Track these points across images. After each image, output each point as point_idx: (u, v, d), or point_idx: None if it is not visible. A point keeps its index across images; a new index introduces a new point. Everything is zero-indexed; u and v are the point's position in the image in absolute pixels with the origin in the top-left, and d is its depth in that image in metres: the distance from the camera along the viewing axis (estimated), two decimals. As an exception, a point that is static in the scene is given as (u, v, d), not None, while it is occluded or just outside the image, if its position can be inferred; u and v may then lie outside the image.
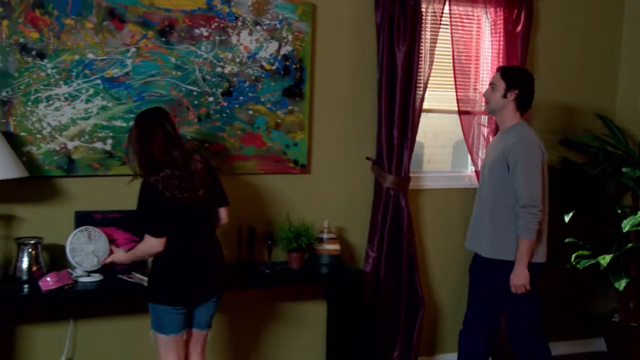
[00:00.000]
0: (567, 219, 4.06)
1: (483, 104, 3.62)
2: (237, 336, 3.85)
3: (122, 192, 3.47)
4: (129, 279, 3.35)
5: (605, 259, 3.87)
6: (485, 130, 4.24)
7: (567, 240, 4.12)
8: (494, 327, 3.61)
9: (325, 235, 3.79)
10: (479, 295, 3.57)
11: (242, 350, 3.86)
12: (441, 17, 3.99)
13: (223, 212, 3.16)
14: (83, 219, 3.40)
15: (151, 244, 2.95)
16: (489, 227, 3.43)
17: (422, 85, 3.97)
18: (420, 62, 3.93)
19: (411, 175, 4.02)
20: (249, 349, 3.88)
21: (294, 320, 3.96)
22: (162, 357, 3.06)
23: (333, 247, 3.78)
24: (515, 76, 3.42)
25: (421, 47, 3.94)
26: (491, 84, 3.47)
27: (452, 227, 4.29)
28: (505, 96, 3.40)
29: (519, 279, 3.34)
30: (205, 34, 3.55)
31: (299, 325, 3.97)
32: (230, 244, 3.70)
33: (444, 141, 4.62)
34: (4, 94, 3.20)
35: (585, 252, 4.00)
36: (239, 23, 3.61)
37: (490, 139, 4.18)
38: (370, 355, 3.94)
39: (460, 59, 4.11)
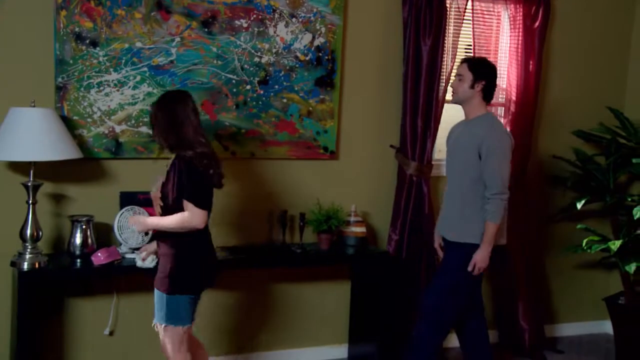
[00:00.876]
0: (579, 206, 4.29)
1: (450, 94, 3.63)
2: (265, 313, 4.07)
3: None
4: (172, 256, 3.56)
5: (615, 244, 4.10)
6: (502, 121, 4.45)
7: (579, 226, 4.36)
8: (480, 301, 3.71)
9: (352, 218, 4.00)
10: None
11: (270, 326, 4.08)
12: (464, 12, 4.19)
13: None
14: (127, 199, 3.60)
15: (197, 217, 2.88)
16: (456, 213, 3.53)
17: (445, 77, 4.17)
18: (444, 56, 4.14)
19: (432, 162, 4.24)
20: (277, 325, 4.10)
21: (320, 299, 4.18)
22: (177, 350, 3.02)
23: (359, 229, 4.00)
24: (482, 68, 3.50)
25: (445, 41, 4.14)
26: (458, 75, 3.53)
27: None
28: (472, 87, 3.48)
29: (485, 260, 3.45)
30: (245, 25, 3.74)
31: (324, 303, 4.19)
32: (262, 225, 3.93)
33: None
34: (59, 80, 3.39)
35: (596, 238, 4.23)
36: (276, 15, 3.80)
37: (508, 129, 4.39)
38: (391, 333, 4.17)
39: (480, 52, 4.30)
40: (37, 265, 3.21)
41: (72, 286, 3.59)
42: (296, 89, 3.91)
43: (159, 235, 3.05)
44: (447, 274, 3.58)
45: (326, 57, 3.95)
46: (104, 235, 3.57)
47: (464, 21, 4.22)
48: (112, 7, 3.44)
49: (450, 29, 4.18)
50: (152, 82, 3.59)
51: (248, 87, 3.80)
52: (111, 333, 3.70)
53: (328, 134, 4.02)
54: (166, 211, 2.97)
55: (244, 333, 4.02)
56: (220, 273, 3.23)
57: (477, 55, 4.24)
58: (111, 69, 3.50)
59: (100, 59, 3.46)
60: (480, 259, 3.46)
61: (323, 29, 3.92)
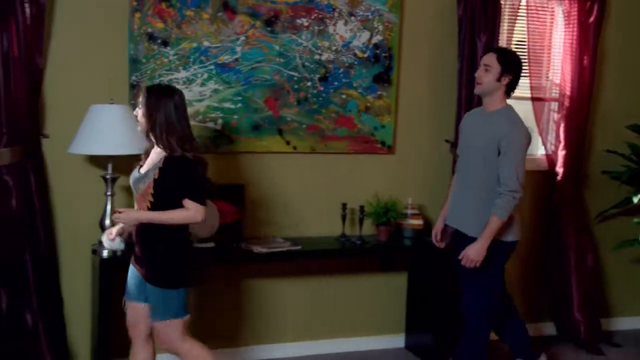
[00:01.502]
0: (635, 200, 4.31)
1: (475, 84, 3.49)
2: (324, 302, 4.19)
3: (228, 168, 3.86)
4: (238, 247, 3.70)
5: (672, 238, 4.12)
6: (555, 116, 4.50)
7: (635, 220, 4.38)
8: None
9: (409, 211, 4.10)
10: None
11: (330, 315, 4.21)
12: (518, 9, 4.26)
13: None
14: (195, 191, 3.77)
15: (200, 213, 2.88)
16: (475, 207, 3.42)
17: (499, 72, 4.25)
18: (498, 52, 4.22)
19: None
20: (336, 314, 4.22)
21: (378, 289, 4.29)
22: (183, 341, 3.00)
23: (416, 222, 4.10)
24: (511, 61, 3.40)
25: (499, 38, 4.21)
26: (485, 64, 3.40)
27: (520, 207, 4.55)
28: (499, 80, 3.37)
29: (477, 254, 3.32)
30: (306, 24, 3.88)
31: (382, 294, 4.29)
32: (323, 218, 4.07)
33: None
34: (133, 78, 3.58)
35: (653, 231, 4.26)
36: (336, 14, 3.93)
37: (562, 124, 4.44)
38: (446, 323, 4.25)
39: (535, 48, 4.37)
40: (115, 253, 3.40)
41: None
42: (355, 85, 4.03)
43: (142, 231, 2.96)
44: (477, 270, 3.40)
45: (384, 54, 4.07)
46: (173, 226, 3.74)
47: (518, 17, 4.29)
48: (181, 8, 3.62)
49: (505, 26, 4.25)
50: (219, 79, 3.75)
51: (309, 83, 3.93)
52: (180, 320, 3.86)
53: (385, 129, 4.13)
54: (156, 207, 2.90)
55: (304, 321, 4.15)
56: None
57: (530, 49, 4.28)
58: (180, 67, 3.67)
59: (170, 57, 3.64)
60: (473, 252, 3.33)
61: (380, 27, 4.04)
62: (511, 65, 3.38)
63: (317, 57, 3.93)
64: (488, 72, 3.38)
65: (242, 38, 3.77)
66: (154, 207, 2.90)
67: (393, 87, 4.12)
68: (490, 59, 3.39)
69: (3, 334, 3.40)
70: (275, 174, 3.97)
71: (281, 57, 3.85)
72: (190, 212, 2.88)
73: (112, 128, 3.32)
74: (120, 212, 2.96)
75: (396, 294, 4.31)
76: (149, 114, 2.88)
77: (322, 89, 3.97)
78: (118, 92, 3.56)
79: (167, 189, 2.87)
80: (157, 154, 2.94)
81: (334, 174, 4.09)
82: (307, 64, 3.91)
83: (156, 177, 2.87)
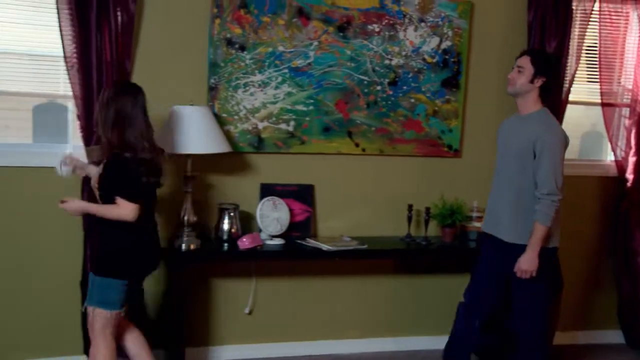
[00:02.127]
0: None
1: (508, 85, 3.46)
2: (387, 301, 4.30)
3: (299, 168, 4.01)
4: (307, 244, 3.86)
5: None
6: (627, 122, 4.46)
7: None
8: (494, 310, 3.60)
9: (474, 214, 4.16)
10: (489, 277, 3.54)
11: (393, 313, 4.31)
12: (590, 13, 4.25)
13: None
14: (266, 190, 3.94)
15: (126, 210, 2.95)
16: (511, 212, 3.38)
17: (569, 78, 4.25)
18: (568, 57, 4.22)
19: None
20: (398, 313, 4.32)
21: (441, 290, 4.36)
22: (100, 334, 3.06)
23: (481, 224, 4.15)
24: (545, 63, 3.35)
25: (569, 43, 4.22)
26: (518, 66, 3.38)
27: (586, 212, 4.57)
28: (531, 81, 3.33)
29: (529, 264, 3.28)
30: (377, 29, 3.99)
31: (446, 295, 4.36)
32: (389, 218, 4.17)
33: (571, 132, 4.85)
34: (212, 81, 3.77)
35: None
36: (406, 20, 4.03)
37: (633, 130, 4.40)
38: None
39: (607, 53, 4.35)
40: (191, 247, 3.59)
41: (218, 267, 3.96)
42: (423, 89, 4.11)
43: (93, 223, 3.17)
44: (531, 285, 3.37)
45: (452, 60, 4.14)
46: (245, 222, 3.91)
47: (590, 22, 4.28)
48: (259, 14, 3.78)
49: (576, 31, 4.25)
50: (292, 82, 3.90)
51: (378, 87, 4.04)
52: (250, 312, 4.04)
53: (452, 133, 4.20)
54: (103, 200, 3.05)
55: (367, 319, 4.27)
56: (156, 266, 3.24)
57: (602, 54, 4.26)
58: (256, 71, 3.84)
59: (247, 61, 3.81)
60: (525, 262, 3.29)
61: (450, 33, 4.11)
62: (545, 68, 3.35)
63: (387, 61, 4.03)
64: (521, 73, 3.36)
65: (315, 43, 3.91)
66: (101, 199, 3.06)
67: (461, 92, 4.18)
68: (523, 61, 3.37)
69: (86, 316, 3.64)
70: (344, 174, 4.10)
71: (352, 62, 3.97)
72: (120, 210, 2.97)
73: (191, 128, 3.51)
74: (65, 202, 3.08)
75: (460, 294, 4.36)
76: (99, 109, 3.01)
77: (391, 92, 4.07)
78: (198, 94, 3.75)
79: (106, 185, 3.01)
80: None
81: (401, 175, 4.19)
82: (377, 68, 4.02)
83: (101, 172, 3.03)
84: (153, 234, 3.19)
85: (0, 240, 3.59)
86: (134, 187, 2.97)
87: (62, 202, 3.09)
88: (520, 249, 3.33)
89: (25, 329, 3.69)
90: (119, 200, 2.97)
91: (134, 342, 3.30)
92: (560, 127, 3.40)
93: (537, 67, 3.33)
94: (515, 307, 3.47)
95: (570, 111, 4.38)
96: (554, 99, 4.20)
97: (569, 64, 4.24)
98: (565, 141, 3.34)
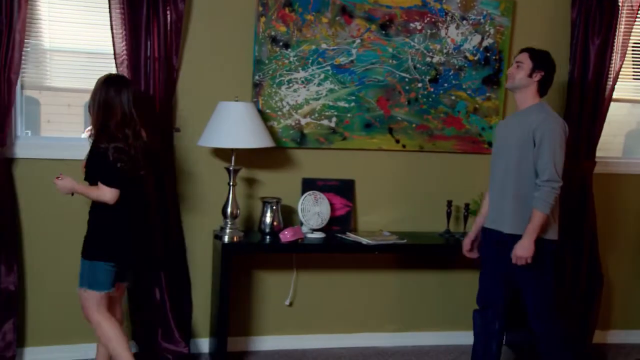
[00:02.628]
0: None
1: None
2: (426, 295, 4.35)
3: (339, 163, 4.08)
4: (347, 238, 3.93)
5: None
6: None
7: None
8: (507, 304, 3.57)
9: (513, 211, 4.18)
10: (495, 273, 3.52)
11: (431, 307, 4.36)
12: (638, 10, 4.21)
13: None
14: (308, 184, 4.02)
15: (105, 193, 3.13)
16: (512, 204, 3.38)
17: (612, 75, 4.23)
18: (612, 54, 4.20)
19: (596, 160, 4.30)
20: (436, 307, 4.37)
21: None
22: (95, 311, 3.23)
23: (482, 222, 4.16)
24: (543, 59, 3.43)
25: (615, 40, 4.19)
26: (517, 62, 3.45)
27: (630, 210, 4.54)
28: (530, 75, 3.40)
29: (525, 250, 3.27)
30: (419, 27, 4.03)
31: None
32: (429, 213, 4.22)
33: (615, 130, 4.83)
34: (256, 77, 3.86)
35: None
36: (448, 18, 4.06)
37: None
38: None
39: (652, 50, 4.32)
40: (235, 239, 3.69)
41: (260, 259, 4.07)
42: (464, 87, 4.14)
43: (90, 208, 3.29)
44: (532, 278, 3.39)
45: (494, 57, 4.15)
46: (286, 215, 4.00)
47: (637, 19, 4.24)
48: (303, 13, 3.86)
49: (621, 28, 4.22)
50: (334, 79, 3.97)
51: (419, 84, 4.08)
52: (291, 304, 4.14)
53: (493, 130, 4.22)
54: (90, 183, 3.24)
55: (405, 312, 4.33)
56: (145, 253, 3.42)
57: None
58: (299, 68, 3.91)
59: (291, 59, 3.89)
60: (521, 249, 3.28)
61: (492, 31, 4.13)
62: (543, 63, 3.42)
63: (428, 59, 4.07)
64: (520, 68, 3.43)
65: (358, 41, 3.97)
66: (89, 182, 3.24)
67: (502, 89, 4.20)
68: (522, 57, 3.46)
69: (136, 304, 3.79)
70: (384, 170, 4.16)
71: (394, 59, 4.03)
72: (99, 192, 3.16)
73: (236, 123, 3.61)
74: (59, 178, 3.24)
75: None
76: (91, 96, 3.20)
77: (432, 90, 4.11)
78: (242, 91, 3.85)
79: (89, 169, 3.22)
80: None
81: (441, 172, 4.23)
82: (418, 65, 4.06)
83: (87, 157, 3.23)
84: (139, 221, 3.29)
85: (52, 231, 3.74)
86: (110, 172, 3.14)
87: (57, 177, 3.26)
88: (520, 238, 3.33)
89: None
90: (100, 183, 3.16)
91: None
92: (559, 116, 3.43)
93: (535, 62, 3.41)
94: (527, 305, 3.47)
95: (614, 109, 4.36)
96: (597, 96, 4.20)
97: (613, 61, 4.22)
98: (564, 128, 3.37)
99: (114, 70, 3.63)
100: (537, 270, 3.37)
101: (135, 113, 3.20)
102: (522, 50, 3.50)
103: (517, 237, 3.34)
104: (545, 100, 3.47)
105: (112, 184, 3.14)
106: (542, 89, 3.46)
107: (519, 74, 3.43)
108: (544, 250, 3.35)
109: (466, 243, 3.70)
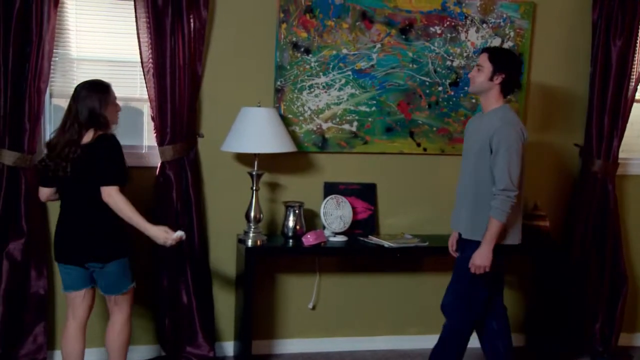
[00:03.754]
0: None
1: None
2: (440, 296, 4.34)
3: (361, 167, 4.12)
4: (369, 241, 3.96)
5: None
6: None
7: None
8: (497, 301, 3.57)
9: (535, 213, 4.18)
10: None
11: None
12: (659, 11, 4.20)
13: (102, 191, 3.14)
14: (330, 188, 4.06)
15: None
16: (469, 209, 3.40)
17: (635, 77, 4.21)
18: (634, 55, 4.18)
19: (619, 161, 4.29)
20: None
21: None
22: (130, 307, 3.35)
23: (542, 223, 4.17)
24: (503, 60, 3.36)
25: (637, 41, 4.18)
26: (478, 65, 3.40)
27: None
28: (491, 79, 3.34)
29: (483, 259, 3.28)
30: (439, 31, 4.06)
31: (505, 293, 4.38)
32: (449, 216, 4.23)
33: (638, 131, 4.79)
34: (278, 83, 3.91)
35: None
36: (468, 22, 4.08)
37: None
38: (572, 325, 4.28)
39: (675, 51, 4.29)
40: (258, 243, 3.74)
41: (283, 263, 4.11)
42: (484, 89, 4.16)
43: None
44: (461, 273, 3.44)
45: (514, 60, 4.17)
46: (309, 219, 4.04)
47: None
48: (323, 19, 3.91)
49: (644, 29, 4.21)
50: (355, 84, 4.01)
51: (440, 88, 4.11)
52: (314, 307, 4.17)
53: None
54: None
55: (429, 315, 4.34)
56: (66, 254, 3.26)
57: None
58: (320, 73, 3.96)
59: (312, 64, 3.94)
60: (479, 258, 3.30)
61: (512, 33, 4.14)
62: (503, 65, 3.35)
63: (448, 63, 4.09)
64: (480, 71, 3.38)
65: (378, 45, 4.00)
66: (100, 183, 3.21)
67: (522, 92, 4.21)
68: (482, 59, 3.39)
69: (163, 307, 3.85)
70: (405, 173, 4.18)
71: (414, 64, 4.05)
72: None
73: (259, 129, 3.66)
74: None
75: (518, 293, 4.40)
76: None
77: (452, 93, 4.13)
78: (265, 96, 3.90)
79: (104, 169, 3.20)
80: None
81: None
82: (438, 69, 4.09)
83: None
84: (64, 222, 3.24)
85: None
86: (40, 171, 3.27)
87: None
88: (475, 245, 3.35)
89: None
90: (112, 185, 3.15)
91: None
92: (519, 122, 3.39)
93: (496, 64, 3.34)
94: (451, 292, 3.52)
95: (637, 110, 4.35)
96: (619, 97, 4.19)
97: (635, 62, 4.21)
98: (522, 136, 3.33)
99: (140, 78, 3.72)
100: (459, 266, 3.42)
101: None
102: (483, 51, 3.45)
103: (472, 242, 3.37)
104: (507, 103, 3.44)
105: (39, 183, 3.31)
106: (505, 90, 3.40)
107: (479, 77, 3.38)
108: (502, 256, 3.37)
109: (451, 243, 3.70)
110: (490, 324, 3.60)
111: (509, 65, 3.38)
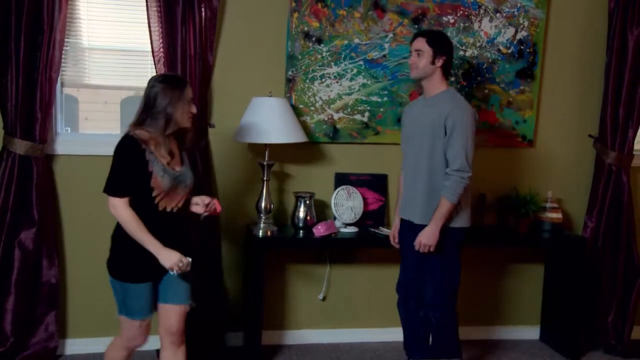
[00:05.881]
0: None
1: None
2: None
3: (372, 158, 4.09)
4: (380, 232, 3.94)
5: None
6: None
7: None
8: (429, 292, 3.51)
9: (548, 204, 4.14)
10: (412, 262, 3.48)
11: (467, 302, 4.34)
12: (677, 0, 4.13)
13: None
14: (341, 179, 4.04)
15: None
16: (424, 193, 3.37)
17: (649, 67, 4.16)
18: (650, 46, 4.13)
19: (634, 153, 4.24)
20: (474, 302, 4.34)
21: (515, 281, 4.37)
22: (121, 335, 2.97)
23: (555, 215, 4.13)
24: (441, 43, 3.37)
25: (653, 31, 4.13)
26: (416, 50, 3.38)
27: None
28: (433, 62, 3.35)
29: (429, 238, 3.29)
30: (452, 21, 4.01)
31: (519, 285, 4.37)
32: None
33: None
34: (289, 73, 3.89)
35: None
36: (482, 11, 4.03)
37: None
38: (585, 317, 4.25)
39: (692, 41, 4.22)
40: (269, 233, 3.73)
41: (293, 253, 4.10)
42: (497, 80, 4.12)
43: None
44: (435, 263, 3.39)
45: (528, 50, 4.12)
46: (320, 210, 4.03)
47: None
48: (335, 8, 3.88)
49: (660, 18, 4.15)
50: (367, 74, 3.98)
51: (452, 78, 4.06)
52: (324, 298, 4.17)
53: (527, 124, 4.19)
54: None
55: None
56: None
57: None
58: (332, 63, 3.93)
59: (324, 54, 3.91)
60: (425, 236, 3.30)
61: (526, 23, 4.09)
62: (442, 47, 3.37)
63: (461, 53, 4.05)
64: (421, 56, 3.37)
65: (390, 35, 3.97)
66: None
67: (536, 82, 4.16)
68: (420, 44, 3.38)
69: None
70: (417, 164, 4.15)
71: (426, 53, 4.02)
72: None
73: (270, 119, 3.64)
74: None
75: (532, 285, 4.37)
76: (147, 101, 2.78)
77: (465, 83, 4.09)
78: (276, 86, 3.88)
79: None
80: (177, 146, 2.88)
81: (474, 165, 4.11)
82: (451, 59, 4.05)
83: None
84: None
85: (91, 225, 3.83)
86: None
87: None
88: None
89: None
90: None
91: None
92: (469, 105, 3.40)
93: (435, 47, 3.35)
94: (426, 290, 3.45)
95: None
96: (635, 87, 4.13)
97: (650, 53, 4.16)
98: (474, 117, 3.35)
99: (151, 68, 3.71)
100: (441, 258, 3.38)
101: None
102: (418, 35, 3.43)
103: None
104: (452, 86, 3.42)
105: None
106: (447, 71, 3.42)
107: (421, 62, 3.37)
108: (450, 239, 3.36)
109: (393, 233, 3.67)
110: (417, 311, 3.53)
111: (447, 47, 3.40)
